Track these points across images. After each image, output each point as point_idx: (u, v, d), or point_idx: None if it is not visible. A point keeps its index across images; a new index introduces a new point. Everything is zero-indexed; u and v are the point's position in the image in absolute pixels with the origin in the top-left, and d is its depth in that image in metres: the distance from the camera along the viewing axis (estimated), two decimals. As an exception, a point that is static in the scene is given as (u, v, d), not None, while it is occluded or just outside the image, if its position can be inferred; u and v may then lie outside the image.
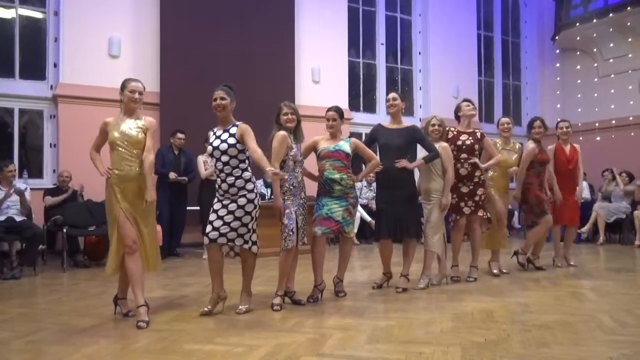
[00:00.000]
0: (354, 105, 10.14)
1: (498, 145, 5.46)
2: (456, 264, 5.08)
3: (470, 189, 4.93)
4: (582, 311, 3.72)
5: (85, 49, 7.45)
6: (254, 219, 3.68)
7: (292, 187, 3.88)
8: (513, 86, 12.49)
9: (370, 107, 10.55)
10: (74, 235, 6.30)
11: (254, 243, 3.72)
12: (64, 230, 6.03)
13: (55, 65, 7.57)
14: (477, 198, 4.93)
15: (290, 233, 3.81)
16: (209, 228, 3.62)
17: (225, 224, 3.59)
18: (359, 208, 7.04)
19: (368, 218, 8.51)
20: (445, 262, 4.87)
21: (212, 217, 3.63)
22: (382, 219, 4.50)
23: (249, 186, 3.64)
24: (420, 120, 10.49)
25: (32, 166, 7.54)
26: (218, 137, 3.67)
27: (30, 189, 6.15)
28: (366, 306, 3.95)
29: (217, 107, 3.68)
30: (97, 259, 6.51)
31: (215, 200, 3.68)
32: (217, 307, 3.73)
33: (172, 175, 6.78)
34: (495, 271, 5.32)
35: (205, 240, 3.64)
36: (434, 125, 4.76)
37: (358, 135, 10.24)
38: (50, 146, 7.55)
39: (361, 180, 6.09)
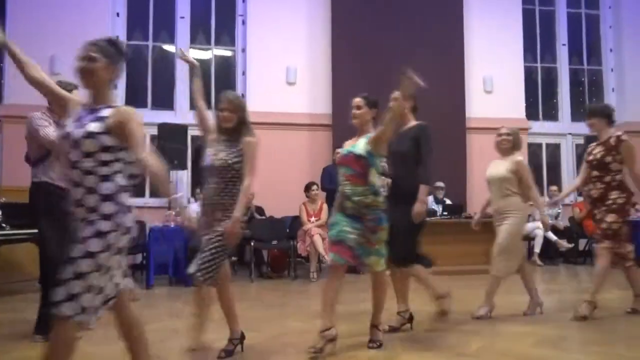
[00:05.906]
0: (531, 115, 9.31)
1: None
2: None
3: (602, 214, 4.09)
4: None
5: (267, 79, 8.20)
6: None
7: None
8: None
9: (550, 115, 9.60)
10: (260, 248, 6.92)
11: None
12: (251, 243, 6.64)
13: (242, 96, 8.48)
14: (604, 225, 4.03)
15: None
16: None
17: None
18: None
19: (554, 237, 7.73)
20: (534, 291, 4.21)
21: None
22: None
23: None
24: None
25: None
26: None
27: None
28: (561, 335, 3.51)
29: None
30: (279, 271, 7.03)
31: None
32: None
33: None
34: None
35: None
36: (500, 135, 4.26)
37: (538, 147, 9.42)
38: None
39: None
